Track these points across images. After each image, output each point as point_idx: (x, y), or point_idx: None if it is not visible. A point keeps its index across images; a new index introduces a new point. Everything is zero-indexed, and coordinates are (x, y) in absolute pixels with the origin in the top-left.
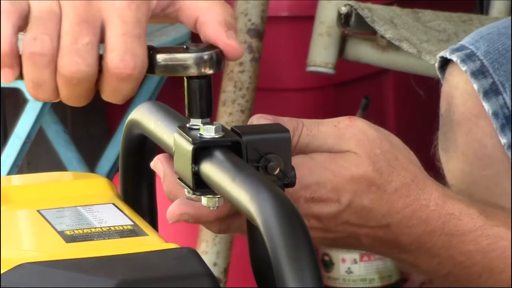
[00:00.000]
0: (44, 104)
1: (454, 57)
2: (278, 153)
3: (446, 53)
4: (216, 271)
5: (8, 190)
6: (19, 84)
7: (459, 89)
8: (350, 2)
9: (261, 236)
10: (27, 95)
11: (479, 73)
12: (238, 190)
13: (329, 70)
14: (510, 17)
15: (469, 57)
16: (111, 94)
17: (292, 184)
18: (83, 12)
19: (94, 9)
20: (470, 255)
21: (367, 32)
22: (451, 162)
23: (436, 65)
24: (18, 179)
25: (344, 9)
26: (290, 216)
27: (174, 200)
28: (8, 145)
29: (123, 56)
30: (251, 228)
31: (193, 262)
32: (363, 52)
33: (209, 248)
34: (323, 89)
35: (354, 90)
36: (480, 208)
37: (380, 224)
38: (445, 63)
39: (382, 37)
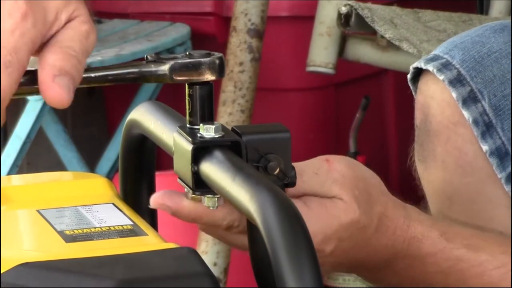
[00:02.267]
0: (44, 104)
1: (429, 67)
2: (278, 153)
3: (420, 64)
4: (216, 271)
5: (8, 190)
6: None
7: (436, 99)
8: (350, 2)
9: (261, 236)
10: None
11: (456, 81)
12: (238, 190)
13: (329, 70)
14: (481, 26)
15: (445, 66)
16: None
17: (292, 184)
18: None
19: None
20: (431, 276)
21: (367, 32)
22: (430, 172)
23: (408, 76)
24: (18, 179)
25: (344, 9)
26: (290, 216)
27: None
28: (8, 145)
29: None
30: (251, 228)
31: (193, 262)
32: (363, 52)
33: (209, 248)
34: (323, 89)
35: (354, 90)
36: (441, 230)
37: (351, 258)
38: (417, 74)
39: (382, 37)
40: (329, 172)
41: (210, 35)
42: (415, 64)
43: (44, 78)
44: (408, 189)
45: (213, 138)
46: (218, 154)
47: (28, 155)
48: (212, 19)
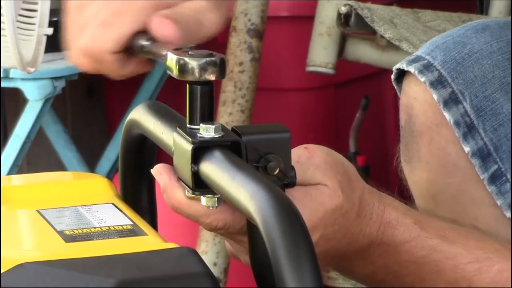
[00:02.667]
0: (44, 104)
1: (411, 69)
2: (278, 153)
3: (402, 65)
4: (216, 271)
5: (8, 190)
6: (19, 84)
7: (418, 100)
8: (349, 2)
9: (261, 236)
10: (27, 95)
11: (437, 83)
12: (238, 190)
13: (329, 70)
14: (464, 25)
15: (426, 67)
16: None
17: (292, 184)
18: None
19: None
20: (405, 265)
21: (367, 32)
22: (415, 173)
23: (392, 77)
24: (18, 179)
25: (344, 9)
26: (290, 216)
27: (180, 214)
28: (8, 145)
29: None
30: (251, 228)
31: (193, 262)
32: (363, 52)
33: (209, 248)
34: (323, 89)
35: (354, 90)
36: (415, 218)
37: (333, 248)
38: (400, 74)
39: (382, 37)
40: (311, 158)
41: None
42: (398, 65)
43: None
44: (408, 189)
45: (213, 138)
46: (218, 154)
47: (28, 155)
48: None
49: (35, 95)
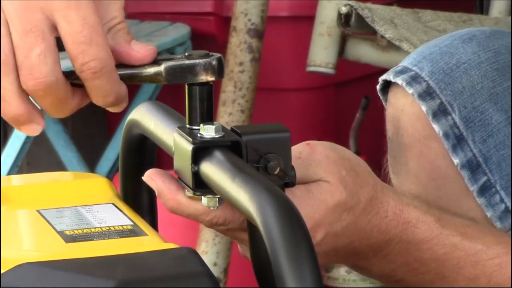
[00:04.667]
0: None
1: (398, 80)
2: (278, 152)
3: (389, 76)
4: (216, 271)
5: (8, 190)
6: None
7: (406, 112)
8: (350, 2)
9: (261, 236)
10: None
11: (426, 94)
12: (238, 190)
13: (329, 70)
14: (449, 35)
15: (414, 79)
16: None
17: (292, 184)
18: (27, 20)
19: (39, 14)
20: (425, 263)
21: (367, 32)
22: (405, 186)
23: (378, 87)
24: (18, 179)
25: (344, 9)
26: (290, 216)
27: (179, 215)
28: (8, 145)
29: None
30: (251, 228)
31: (193, 262)
32: (363, 52)
33: (209, 248)
34: (323, 89)
35: (354, 90)
36: (436, 216)
37: (344, 243)
38: (386, 85)
39: (382, 37)
40: (312, 154)
41: (210, 35)
42: (384, 76)
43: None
44: None
45: (213, 138)
46: (218, 154)
47: (28, 155)
48: (212, 19)
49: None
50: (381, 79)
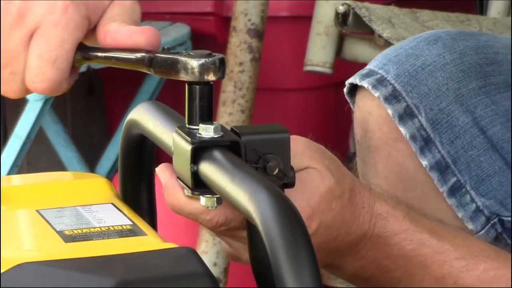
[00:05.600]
0: (44, 104)
1: (364, 84)
2: (277, 153)
3: (355, 80)
4: (216, 271)
5: (8, 190)
6: None
7: (373, 115)
8: (347, 2)
9: (260, 236)
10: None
11: (392, 97)
12: (237, 190)
13: (326, 70)
14: (414, 37)
15: (380, 82)
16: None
17: (291, 184)
18: (5, 38)
19: (16, 34)
20: (394, 259)
21: (365, 31)
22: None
23: (345, 90)
24: (18, 179)
25: (341, 9)
26: (289, 216)
27: (179, 213)
28: (8, 145)
29: (34, 78)
30: (251, 228)
31: (192, 262)
32: (361, 51)
33: (209, 248)
34: (323, 89)
35: None
36: (404, 211)
37: (332, 237)
38: (354, 88)
39: (380, 36)
40: (295, 146)
41: (210, 35)
42: (350, 80)
43: (123, 35)
44: None
45: (213, 138)
46: (217, 154)
47: (28, 155)
48: (212, 19)
49: (35, 95)
50: (347, 82)
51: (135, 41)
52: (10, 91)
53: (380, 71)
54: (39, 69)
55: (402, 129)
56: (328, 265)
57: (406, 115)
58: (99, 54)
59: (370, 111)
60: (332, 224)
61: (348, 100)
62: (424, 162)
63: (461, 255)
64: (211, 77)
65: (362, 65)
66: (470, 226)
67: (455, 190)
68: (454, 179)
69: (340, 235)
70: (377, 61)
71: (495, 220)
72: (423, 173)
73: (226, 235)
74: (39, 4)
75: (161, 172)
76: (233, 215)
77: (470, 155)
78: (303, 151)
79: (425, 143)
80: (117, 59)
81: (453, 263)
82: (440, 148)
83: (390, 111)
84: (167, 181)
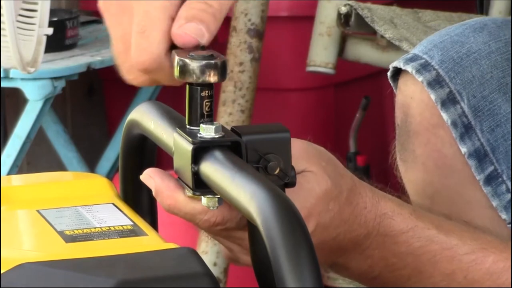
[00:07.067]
0: (44, 104)
1: (408, 68)
2: (278, 153)
3: (399, 64)
4: (216, 271)
5: (8, 190)
6: (19, 84)
7: (415, 99)
8: (350, 2)
9: (261, 236)
10: (27, 95)
11: (435, 83)
12: (238, 190)
13: (329, 70)
14: (461, 23)
15: (424, 67)
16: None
17: (292, 184)
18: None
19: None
20: (402, 257)
21: (367, 32)
22: (411, 173)
23: (388, 74)
24: (18, 179)
25: (344, 9)
26: (290, 216)
27: (176, 214)
28: (8, 145)
29: (133, 54)
30: (252, 228)
31: (192, 262)
32: (363, 52)
33: (209, 248)
34: (323, 89)
35: (354, 90)
36: (410, 209)
37: (331, 237)
38: (397, 72)
39: (382, 37)
40: (292, 149)
41: None
42: (395, 64)
43: (173, 29)
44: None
45: (213, 138)
46: (218, 154)
47: (28, 155)
48: None
49: (35, 95)
50: (391, 66)
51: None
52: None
53: (425, 56)
54: (134, 42)
55: (444, 115)
56: (333, 264)
57: (448, 101)
58: None
59: (412, 96)
60: (330, 224)
61: (391, 84)
62: (463, 149)
63: (470, 249)
64: (211, 79)
65: (362, 65)
66: (503, 215)
67: (491, 179)
68: (491, 168)
69: (340, 233)
70: (422, 46)
71: None
72: (461, 160)
73: (223, 237)
74: None
75: (149, 178)
76: (230, 215)
77: (510, 145)
78: (300, 154)
79: (466, 130)
80: None
81: (462, 258)
82: (480, 136)
83: (433, 96)
84: (160, 185)
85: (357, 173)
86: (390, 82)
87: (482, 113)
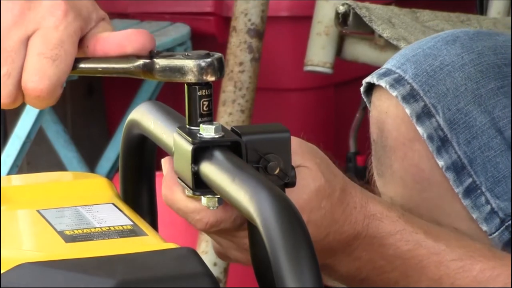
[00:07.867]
0: None
1: (382, 83)
2: (278, 153)
3: (372, 79)
4: (216, 271)
5: (8, 190)
6: None
7: (390, 114)
8: (348, 2)
9: (261, 236)
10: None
11: (410, 97)
12: (238, 190)
13: (327, 70)
14: (432, 36)
15: (397, 81)
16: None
17: (292, 184)
18: (4, 36)
19: (15, 33)
20: (390, 260)
21: (365, 31)
22: (389, 188)
23: (361, 89)
24: (18, 179)
25: (342, 9)
26: (290, 216)
27: (170, 206)
28: (8, 145)
29: (32, 77)
30: (251, 228)
31: (192, 262)
32: (361, 51)
33: (209, 248)
34: (323, 89)
35: (354, 90)
36: (399, 212)
37: (321, 236)
38: (370, 87)
39: (380, 36)
40: None
41: (210, 35)
42: (368, 79)
43: (115, 39)
44: None
45: (213, 138)
46: (218, 154)
47: (28, 155)
48: (212, 19)
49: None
50: (364, 81)
51: (132, 43)
52: (2, 95)
53: (398, 71)
54: (39, 67)
55: (420, 129)
56: (321, 265)
57: (423, 115)
58: (91, 65)
59: (387, 111)
60: (321, 222)
61: (365, 99)
62: (441, 163)
63: (458, 256)
64: (210, 78)
65: (362, 65)
66: (484, 227)
67: (470, 191)
68: (470, 180)
69: (330, 233)
70: (394, 60)
71: (510, 222)
72: (439, 174)
73: (218, 235)
74: (41, 5)
75: (165, 163)
76: (224, 216)
77: (487, 156)
78: (295, 150)
79: (442, 143)
80: (113, 68)
81: (449, 264)
82: (457, 149)
83: (407, 111)
84: (167, 173)
85: (357, 173)
86: (363, 97)
87: (458, 125)
